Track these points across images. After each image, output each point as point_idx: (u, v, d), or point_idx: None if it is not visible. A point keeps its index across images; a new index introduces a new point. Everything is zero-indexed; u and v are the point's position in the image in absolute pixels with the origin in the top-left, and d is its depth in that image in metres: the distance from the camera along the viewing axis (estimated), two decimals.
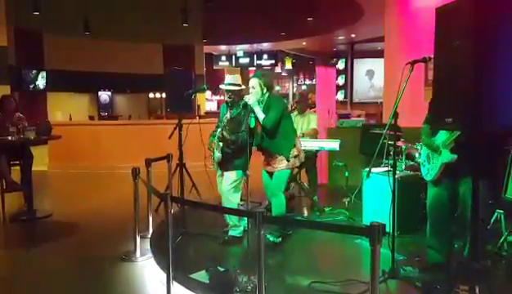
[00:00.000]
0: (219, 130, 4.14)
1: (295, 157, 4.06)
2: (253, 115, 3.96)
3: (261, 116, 3.92)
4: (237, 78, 4.21)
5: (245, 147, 3.80)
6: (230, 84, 4.12)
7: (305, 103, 5.89)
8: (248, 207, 3.91)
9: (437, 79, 2.41)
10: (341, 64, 22.01)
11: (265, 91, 4.03)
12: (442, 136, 3.16)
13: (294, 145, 4.06)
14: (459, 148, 3.04)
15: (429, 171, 3.29)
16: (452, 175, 3.14)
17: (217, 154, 4.07)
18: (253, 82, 4.01)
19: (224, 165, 4.14)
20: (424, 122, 3.44)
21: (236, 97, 4.10)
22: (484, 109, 2.10)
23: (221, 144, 4.07)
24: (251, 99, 3.88)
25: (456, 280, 2.58)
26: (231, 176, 4.09)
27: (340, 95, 20.71)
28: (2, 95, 6.02)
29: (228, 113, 4.16)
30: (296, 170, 5.38)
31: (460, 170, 3.06)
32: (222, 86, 4.20)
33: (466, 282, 2.36)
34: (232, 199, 4.10)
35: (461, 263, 2.99)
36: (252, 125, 3.99)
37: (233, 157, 4.07)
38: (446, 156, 3.10)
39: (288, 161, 4.02)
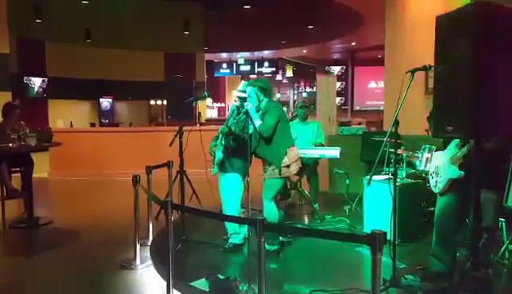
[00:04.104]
0: (227, 124, 4.13)
1: (287, 167, 3.91)
2: (251, 123, 3.94)
3: (257, 122, 3.88)
4: None
5: (245, 148, 3.73)
6: (242, 91, 4.11)
7: (307, 110, 5.90)
8: (248, 215, 3.90)
9: (438, 87, 2.41)
10: (340, 70, 22.31)
11: (262, 97, 3.98)
12: (451, 152, 3.15)
13: (286, 154, 3.91)
14: (470, 163, 2.99)
15: (437, 184, 3.29)
16: (460, 188, 3.12)
17: (219, 155, 4.06)
18: (249, 90, 3.98)
19: (224, 166, 4.14)
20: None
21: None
22: (484, 117, 2.10)
23: (223, 142, 4.05)
24: (249, 106, 3.83)
25: (458, 289, 2.57)
26: (229, 179, 4.10)
27: (338, 101, 20.91)
28: (9, 103, 6.01)
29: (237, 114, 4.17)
30: (296, 177, 5.37)
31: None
32: (234, 93, 4.22)
33: (468, 291, 2.34)
34: (232, 204, 4.09)
35: (463, 272, 2.97)
36: (251, 130, 3.97)
37: (233, 155, 4.06)
38: (454, 172, 3.09)
39: (279, 170, 3.89)
